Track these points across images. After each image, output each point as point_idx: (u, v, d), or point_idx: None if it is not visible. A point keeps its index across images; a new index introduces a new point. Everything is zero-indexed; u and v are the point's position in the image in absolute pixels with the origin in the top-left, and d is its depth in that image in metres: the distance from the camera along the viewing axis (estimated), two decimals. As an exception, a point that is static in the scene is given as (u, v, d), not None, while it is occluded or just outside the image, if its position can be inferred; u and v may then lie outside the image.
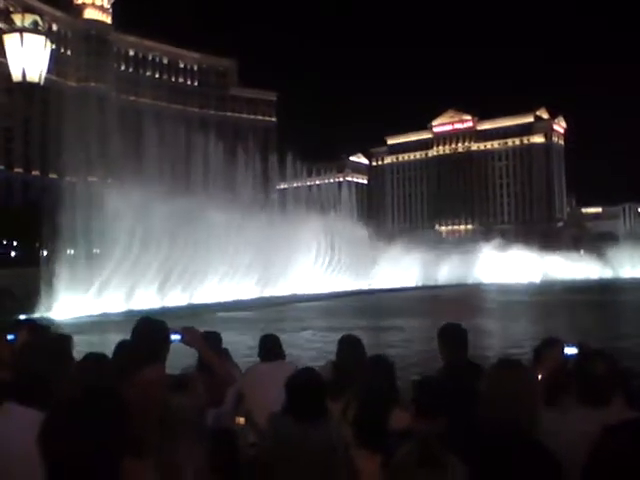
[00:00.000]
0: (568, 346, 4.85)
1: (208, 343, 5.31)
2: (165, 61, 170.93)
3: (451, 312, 39.17)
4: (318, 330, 30.87)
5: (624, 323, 31.72)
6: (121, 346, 5.50)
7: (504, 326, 32.06)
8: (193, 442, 3.11)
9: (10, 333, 5.51)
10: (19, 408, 3.32)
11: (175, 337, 4.52)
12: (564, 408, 3.86)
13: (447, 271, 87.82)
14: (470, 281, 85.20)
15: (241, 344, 19.15)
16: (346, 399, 4.86)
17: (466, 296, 59.43)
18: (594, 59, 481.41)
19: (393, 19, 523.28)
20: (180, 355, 5.30)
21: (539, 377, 4.55)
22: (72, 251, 48.03)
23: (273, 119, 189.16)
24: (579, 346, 4.81)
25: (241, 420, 6.09)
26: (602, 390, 3.64)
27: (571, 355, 4.69)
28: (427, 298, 57.15)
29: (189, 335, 4.58)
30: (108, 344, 5.87)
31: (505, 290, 65.74)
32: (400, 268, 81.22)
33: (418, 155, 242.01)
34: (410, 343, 24.45)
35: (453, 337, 5.69)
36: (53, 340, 4.47)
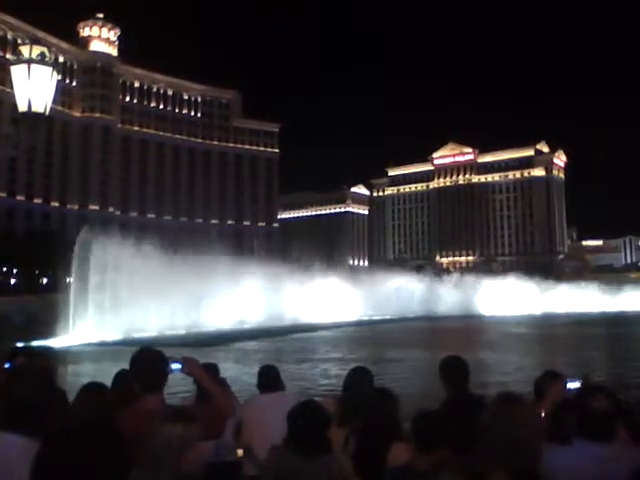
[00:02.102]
0: (571, 380, 4.80)
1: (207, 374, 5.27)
2: (169, 92, 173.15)
3: (453, 344, 38.95)
4: (318, 362, 30.61)
5: (628, 357, 31.43)
6: (120, 375, 5.45)
7: (506, 359, 31.76)
8: (186, 473, 3.07)
9: (7, 361, 5.47)
10: (9, 436, 3.28)
11: (175, 366, 4.48)
12: (567, 443, 3.81)
13: (448, 302, 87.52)
14: (471, 313, 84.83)
15: (240, 375, 19.00)
16: (347, 432, 4.81)
17: (467, 328, 59.13)
18: (595, 92, 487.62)
19: (396, 51, 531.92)
20: (177, 384, 5.25)
21: (542, 412, 4.50)
22: (70, 279, 47.93)
23: (276, 150, 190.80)
24: (581, 380, 4.77)
25: (239, 452, 6.00)
26: (605, 425, 3.60)
27: (574, 389, 4.64)
28: (428, 329, 56.83)
29: (189, 365, 4.55)
30: (106, 372, 5.82)
31: (506, 322, 65.40)
32: (400, 299, 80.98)
33: (419, 187, 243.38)
34: (412, 375, 24.19)
35: (455, 370, 5.64)
36: (42, 368, 4.44)
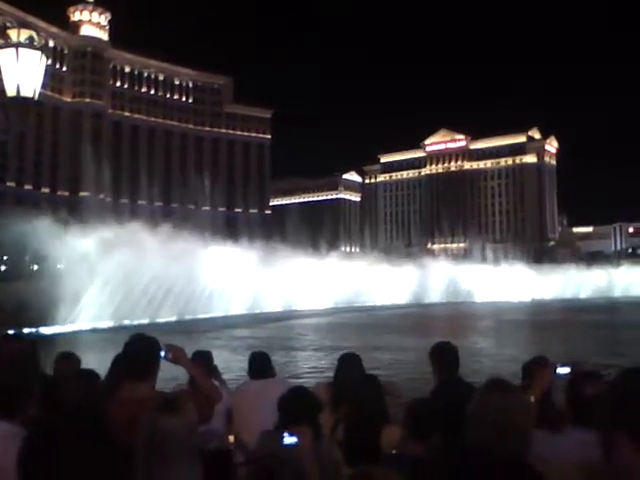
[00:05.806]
0: (561, 366, 4.81)
1: (199, 361, 5.26)
2: (160, 78, 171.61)
3: (445, 330, 39.16)
4: (311, 349, 30.71)
5: (618, 343, 31.71)
6: (116, 361, 5.42)
7: (497, 345, 31.99)
8: (185, 463, 3.06)
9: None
10: None
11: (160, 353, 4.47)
12: (556, 430, 3.83)
13: (438, 289, 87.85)
14: (461, 299, 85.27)
15: (231, 361, 19.04)
16: (335, 418, 4.83)
17: (458, 314, 59.42)
18: (585, 80, 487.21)
19: (389, 38, 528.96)
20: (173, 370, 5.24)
21: (531, 398, 4.52)
22: (62, 266, 47.68)
23: (268, 136, 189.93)
24: (572, 366, 4.78)
25: (230, 438, 6.02)
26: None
27: (564, 375, 4.66)
28: (419, 316, 57.06)
29: (173, 352, 4.54)
30: (97, 359, 5.80)
31: (497, 309, 65.77)
32: (392, 285, 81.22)
33: (411, 173, 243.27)
34: (403, 362, 24.30)
35: (444, 356, 5.66)
36: (19, 351, 4.40)
